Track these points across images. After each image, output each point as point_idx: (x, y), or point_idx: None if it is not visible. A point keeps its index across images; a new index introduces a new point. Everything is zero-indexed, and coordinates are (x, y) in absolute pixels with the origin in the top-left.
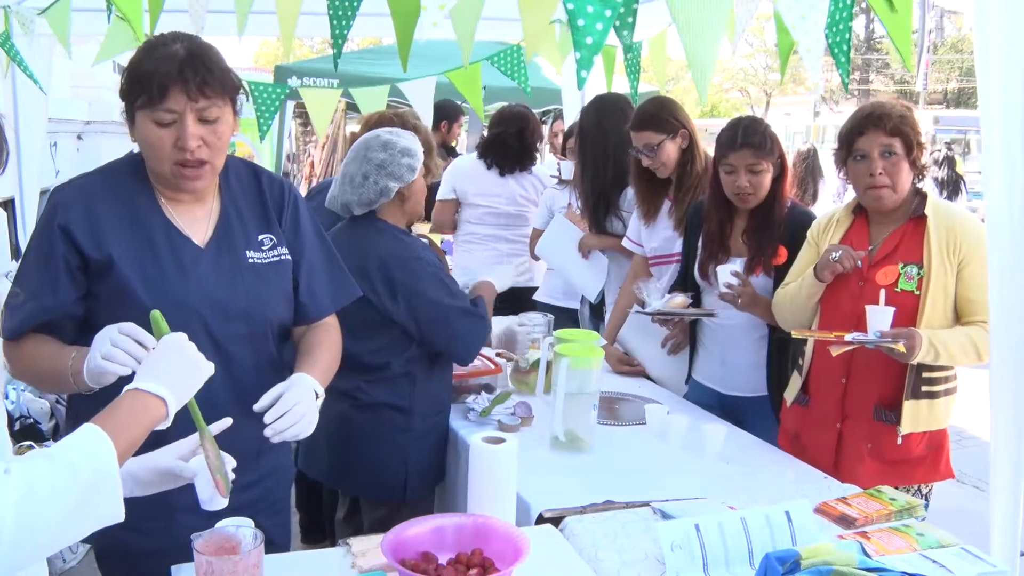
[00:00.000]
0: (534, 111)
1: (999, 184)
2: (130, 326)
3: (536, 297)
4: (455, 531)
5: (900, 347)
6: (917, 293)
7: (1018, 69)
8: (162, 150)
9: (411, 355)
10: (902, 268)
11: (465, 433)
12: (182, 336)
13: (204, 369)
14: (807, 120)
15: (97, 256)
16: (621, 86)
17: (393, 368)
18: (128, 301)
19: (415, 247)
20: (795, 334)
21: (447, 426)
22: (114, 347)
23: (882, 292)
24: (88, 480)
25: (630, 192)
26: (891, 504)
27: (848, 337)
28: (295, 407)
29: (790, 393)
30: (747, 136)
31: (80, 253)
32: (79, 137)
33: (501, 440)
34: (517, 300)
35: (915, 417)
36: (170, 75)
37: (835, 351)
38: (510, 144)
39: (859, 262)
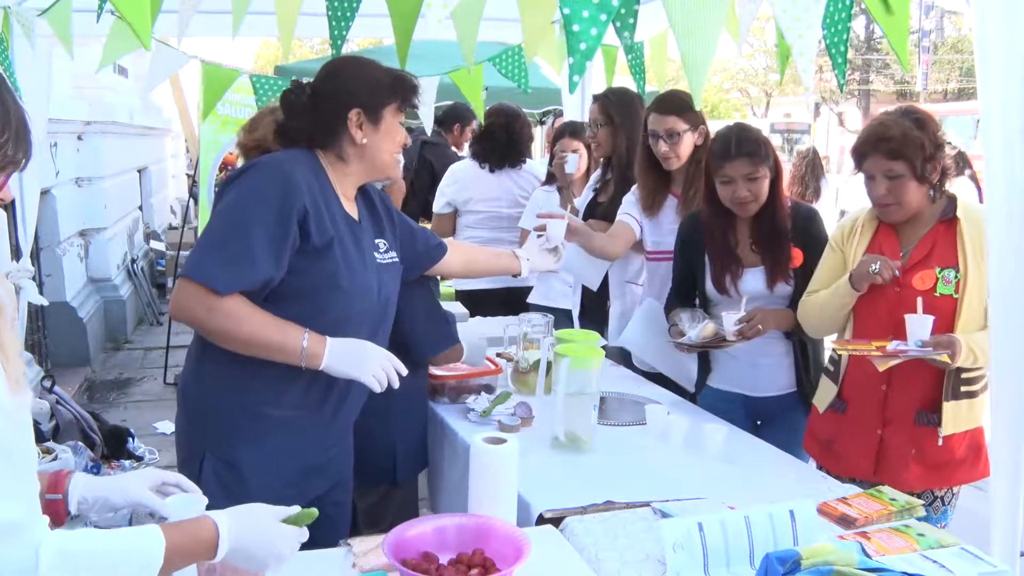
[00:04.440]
0: (534, 111)
1: (999, 184)
2: (394, 358)
3: (530, 299)
4: (456, 531)
5: (944, 358)
6: (956, 296)
7: (1018, 69)
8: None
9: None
10: (939, 272)
11: (465, 433)
12: (297, 538)
13: (276, 561)
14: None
15: (319, 241)
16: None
17: None
18: (330, 283)
19: None
20: (836, 347)
21: (427, 409)
22: (382, 371)
23: (919, 300)
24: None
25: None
26: (891, 504)
27: (890, 347)
28: None
29: (823, 400)
30: (741, 146)
31: (307, 236)
32: (79, 137)
33: (502, 440)
34: (514, 302)
35: (955, 417)
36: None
37: (881, 366)
38: (497, 136)
39: (896, 272)
